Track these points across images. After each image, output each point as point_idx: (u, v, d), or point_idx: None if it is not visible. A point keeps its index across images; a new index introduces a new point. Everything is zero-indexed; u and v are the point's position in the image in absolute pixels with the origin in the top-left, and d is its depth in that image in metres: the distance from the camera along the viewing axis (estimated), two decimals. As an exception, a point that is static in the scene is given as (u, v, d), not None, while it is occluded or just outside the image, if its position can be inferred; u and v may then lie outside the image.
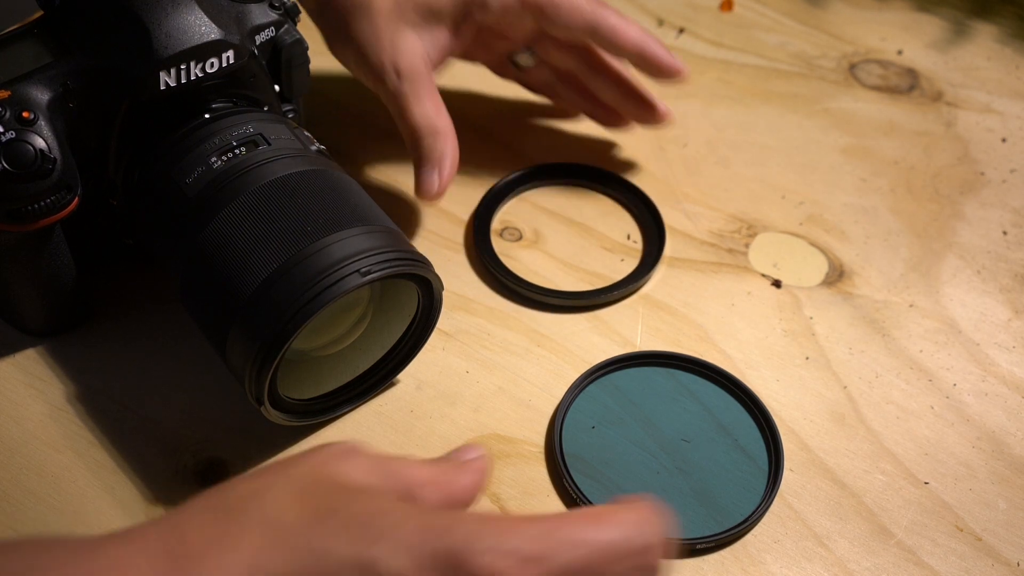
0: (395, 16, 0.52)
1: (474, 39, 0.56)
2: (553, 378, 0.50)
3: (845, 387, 0.51)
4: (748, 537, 0.45)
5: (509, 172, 0.59)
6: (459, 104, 0.63)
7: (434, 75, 0.54)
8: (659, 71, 0.55)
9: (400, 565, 0.29)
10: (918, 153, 0.62)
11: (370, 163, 0.60)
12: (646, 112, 0.58)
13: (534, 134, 0.62)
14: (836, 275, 0.56)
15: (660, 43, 0.55)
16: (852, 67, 0.67)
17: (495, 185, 0.58)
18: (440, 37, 0.54)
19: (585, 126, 0.63)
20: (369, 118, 0.62)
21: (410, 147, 0.52)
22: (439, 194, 0.52)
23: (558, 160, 0.60)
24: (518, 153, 0.61)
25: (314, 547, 0.30)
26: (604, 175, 0.59)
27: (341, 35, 0.53)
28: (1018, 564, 0.45)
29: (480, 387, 0.50)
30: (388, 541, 0.30)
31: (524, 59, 0.58)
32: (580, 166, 0.60)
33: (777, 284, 0.55)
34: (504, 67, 0.60)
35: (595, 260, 0.56)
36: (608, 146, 0.61)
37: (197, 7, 0.46)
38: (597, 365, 0.50)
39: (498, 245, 0.56)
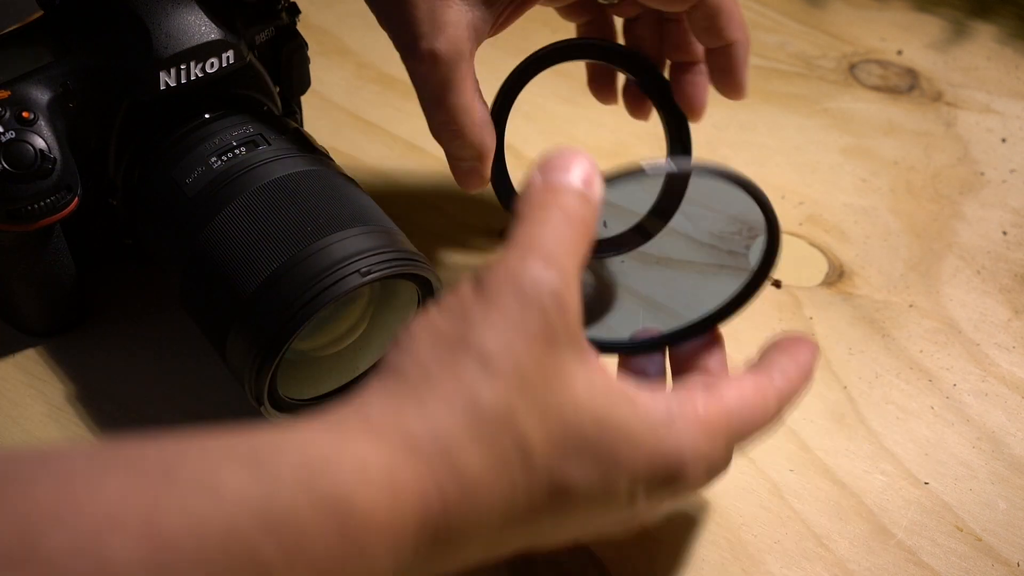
0: None
1: None
2: (553, 378, 0.50)
3: (845, 387, 0.51)
4: (748, 537, 0.45)
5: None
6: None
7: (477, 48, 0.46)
8: (728, 83, 0.49)
9: None
10: (918, 153, 0.62)
11: (370, 163, 0.60)
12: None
13: (534, 136, 0.62)
14: (836, 275, 0.56)
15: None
16: (852, 67, 0.67)
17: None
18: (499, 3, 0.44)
19: (584, 127, 0.62)
20: (368, 118, 0.62)
21: (442, 142, 0.46)
22: (482, 185, 0.48)
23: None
24: (518, 155, 0.61)
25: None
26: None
27: None
28: (1018, 564, 0.45)
29: (480, 387, 0.50)
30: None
31: None
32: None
33: (777, 284, 0.55)
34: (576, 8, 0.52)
35: (595, 260, 0.56)
36: (608, 146, 0.61)
37: (197, 7, 0.46)
38: None
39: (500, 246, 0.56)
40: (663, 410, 0.34)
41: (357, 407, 0.30)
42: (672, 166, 0.43)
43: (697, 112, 0.50)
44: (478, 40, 0.44)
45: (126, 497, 0.25)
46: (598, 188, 0.35)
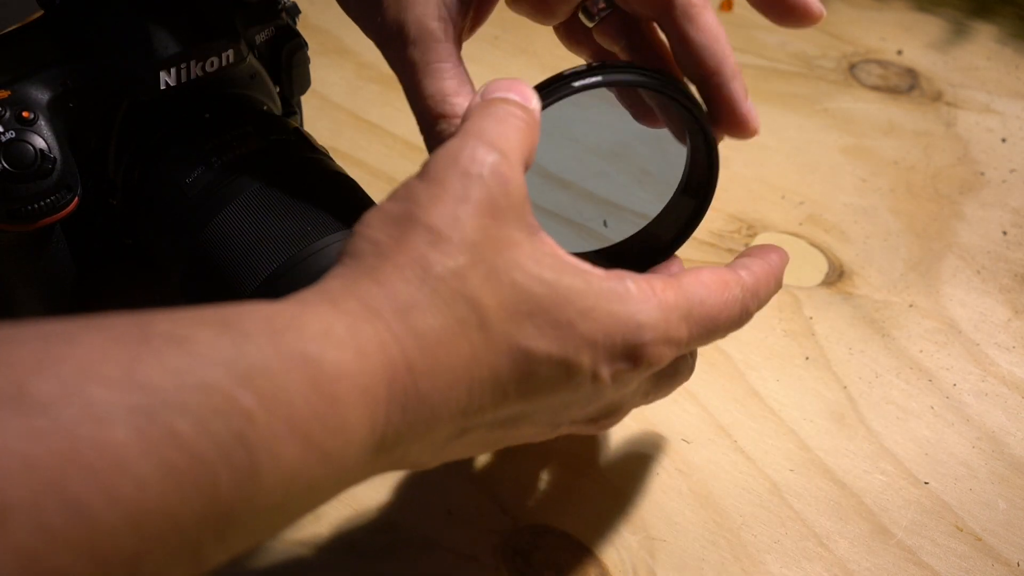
0: None
1: None
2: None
3: (845, 387, 0.51)
4: (748, 537, 0.45)
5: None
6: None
7: (460, 34, 0.40)
8: (786, 10, 0.39)
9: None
10: (918, 153, 0.62)
11: (369, 163, 0.60)
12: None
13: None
14: (836, 275, 0.56)
15: None
16: (852, 67, 0.67)
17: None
18: None
19: (582, 127, 0.62)
20: (368, 118, 0.62)
21: (422, 132, 0.40)
22: None
23: (558, 160, 0.60)
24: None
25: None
26: (604, 175, 0.59)
27: None
28: (1018, 564, 0.45)
29: (480, 387, 0.50)
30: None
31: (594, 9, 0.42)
32: (580, 166, 0.60)
33: (777, 284, 0.55)
34: (570, 30, 0.45)
35: (595, 260, 0.56)
36: (608, 147, 0.61)
37: (197, 7, 0.46)
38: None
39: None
40: (617, 283, 0.34)
41: (316, 288, 0.32)
42: (600, 78, 0.41)
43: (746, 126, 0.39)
44: (453, 20, 0.39)
45: (103, 352, 0.25)
46: (535, 103, 0.36)
